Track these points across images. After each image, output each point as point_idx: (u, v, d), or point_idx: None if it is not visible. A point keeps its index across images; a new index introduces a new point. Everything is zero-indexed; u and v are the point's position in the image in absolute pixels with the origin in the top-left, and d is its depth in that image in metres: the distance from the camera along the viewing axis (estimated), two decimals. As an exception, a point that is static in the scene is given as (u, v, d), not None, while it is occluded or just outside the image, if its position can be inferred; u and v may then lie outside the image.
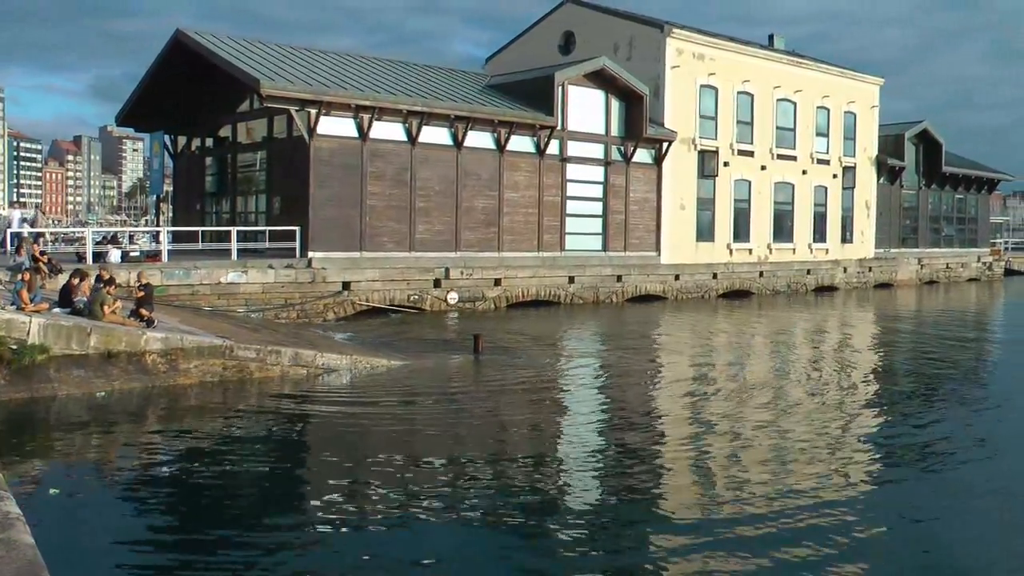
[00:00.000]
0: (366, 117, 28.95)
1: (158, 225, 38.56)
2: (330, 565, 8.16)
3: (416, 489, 10.37)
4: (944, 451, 12.46)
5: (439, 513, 9.45)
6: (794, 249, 44.53)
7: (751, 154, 42.19)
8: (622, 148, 36.54)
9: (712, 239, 40.59)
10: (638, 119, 36.03)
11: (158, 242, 28.08)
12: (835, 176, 46.83)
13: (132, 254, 27.22)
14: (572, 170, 34.98)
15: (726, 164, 40.81)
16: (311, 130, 27.99)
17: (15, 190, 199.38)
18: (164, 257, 25.74)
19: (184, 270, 24.44)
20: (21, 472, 10.56)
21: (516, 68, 38.62)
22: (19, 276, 17.16)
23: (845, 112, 47.14)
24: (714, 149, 40.19)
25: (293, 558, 8.32)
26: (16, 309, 15.45)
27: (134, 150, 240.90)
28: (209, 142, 35.27)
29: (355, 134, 29.04)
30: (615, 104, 36.09)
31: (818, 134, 45.78)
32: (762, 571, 7.93)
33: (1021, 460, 12.12)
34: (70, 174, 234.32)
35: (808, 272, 44.43)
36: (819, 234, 46.09)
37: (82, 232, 31.39)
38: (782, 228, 44.08)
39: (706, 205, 40.33)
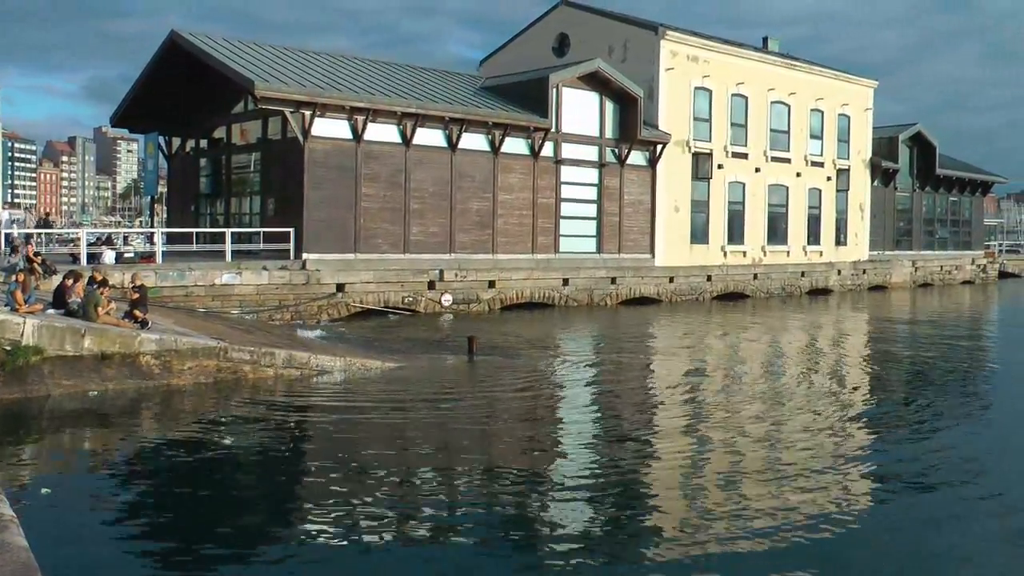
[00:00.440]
0: (360, 119, 28.98)
1: (152, 226, 38.54)
2: (322, 568, 8.18)
3: (406, 494, 10.39)
4: (941, 461, 12.12)
5: (428, 521, 9.41)
6: (788, 251, 44.62)
7: (745, 156, 42.29)
8: (616, 150, 36.59)
9: (706, 241, 40.66)
10: (632, 121, 36.10)
11: (152, 243, 28.08)
12: (829, 178, 46.95)
13: (126, 255, 27.21)
14: (566, 172, 35.03)
15: (720, 166, 40.89)
16: (305, 131, 28.00)
17: (9, 191, 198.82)
18: (158, 258, 25.73)
19: (178, 271, 24.45)
20: (14, 474, 10.59)
21: (510, 70, 38.67)
22: (13, 277, 17.14)
23: (839, 114, 47.26)
24: (708, 151, 40.25)
25: (285, 560, 8.34)
26: (10, 310, 15.47)
27: (128, 151, 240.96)
28: (203, 143, 35.23)
29: (349, 136, 29.06)
30: (609, 106, 36.14)
31: (812, 136, 45.91)
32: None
33: (1018, 470, 12.01)
34: (64, 175, 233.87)
35: (802, 274, 44.51)
36: (813, 236, 46.18)
37: (76, 233, 31.35)
38: (776, 230, 44.18)
39: (700, 207, 40.40)
